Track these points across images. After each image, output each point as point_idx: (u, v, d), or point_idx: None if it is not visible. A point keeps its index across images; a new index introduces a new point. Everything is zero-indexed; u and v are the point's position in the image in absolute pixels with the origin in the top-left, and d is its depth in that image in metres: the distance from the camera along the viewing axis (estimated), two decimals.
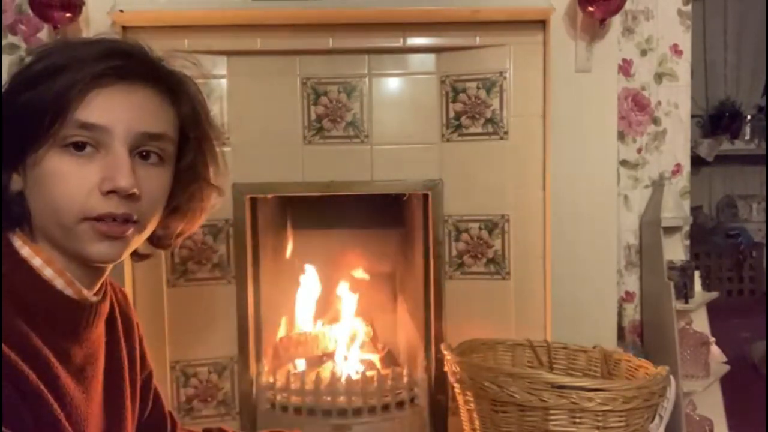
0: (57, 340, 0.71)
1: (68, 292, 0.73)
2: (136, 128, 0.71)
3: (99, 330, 0.79)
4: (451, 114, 1.73)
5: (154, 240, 0.83)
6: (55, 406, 0.67)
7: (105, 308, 0.79)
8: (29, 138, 0.69)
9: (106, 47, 0.73)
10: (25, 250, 0.71)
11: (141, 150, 0.73)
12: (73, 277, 0.73)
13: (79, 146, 0.69)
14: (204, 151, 0.81)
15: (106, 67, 0.70)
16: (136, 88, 0.72)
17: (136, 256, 0.84)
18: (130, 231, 0.72)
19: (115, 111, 0.70)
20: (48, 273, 0.71)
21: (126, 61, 0.72)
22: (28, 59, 0.73)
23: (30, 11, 1.54)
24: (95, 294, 0.77)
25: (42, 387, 0.66)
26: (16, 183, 0.71)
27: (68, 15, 1.50)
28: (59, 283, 0.72)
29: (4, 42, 1.82)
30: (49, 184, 0.69)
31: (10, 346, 0.64)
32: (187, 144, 0.79)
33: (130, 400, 0.86)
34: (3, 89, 0.71)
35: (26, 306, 0.68)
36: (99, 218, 0.69)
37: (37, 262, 0.71)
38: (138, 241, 0.76)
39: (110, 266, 0.77)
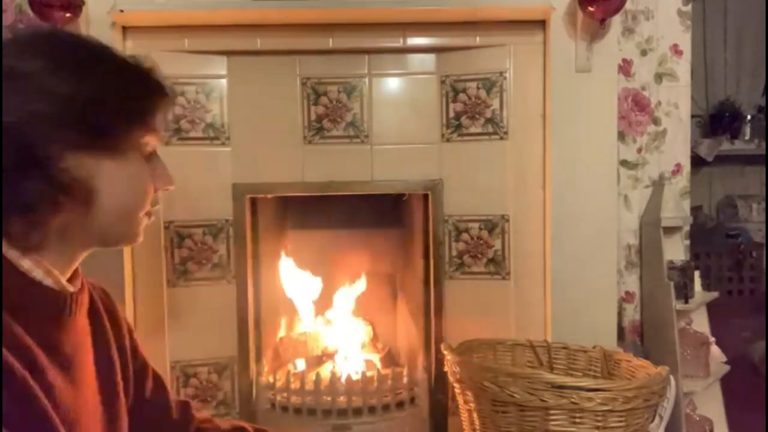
0: (42, 331, 0.72)
1: (47, 282, 0.74)
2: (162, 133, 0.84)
3: (82, 320, 0.81)
4: (451, 114, 1.73)
5: None
6: (42, 397, 0.68)
7: (84, 299, 0.82)
8: (107, 147, 0.75)
9: (148, 68, 0.83)
10: (12, 253, 0.72)
11: None
12: (60, 272, 0.75)
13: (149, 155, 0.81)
14: None
15: (159, 84, 0.82)
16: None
17: None
18: None
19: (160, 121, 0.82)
20: (26, 264, 0.72)
21: (159, 78, 0.83)
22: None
23: (30, 11, 1.54)
24: (71, 284, 0.79)
25: (28, 379, 0.67)
26: (82, 168, 0.72)
27: (68, 15, 1.51)
28: (38, 274, 0.73)
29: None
30: (128, 183, 0.78)
31: None
32: None
33: (122, 388, 0.88)
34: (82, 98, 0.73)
35: (8, 299, 0.69)
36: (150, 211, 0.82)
37: (13, 254, 0.72)
38: None
39: (81, 257, 0.81)
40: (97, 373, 0.83)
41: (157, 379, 0.98)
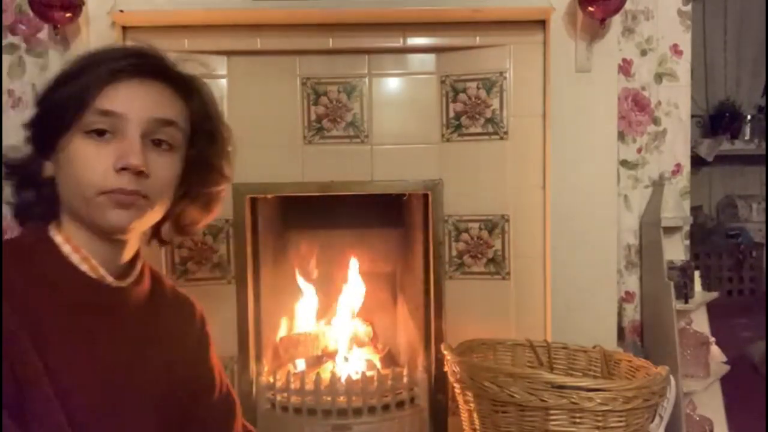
0: (71, 311, 0.80)
1: (83, 267, 0.83)
2: (148, 114, 0.82)
3: (126, 310, 0.87)
4: (451, 114, 1.73)
5: (176, 228, 0.95)
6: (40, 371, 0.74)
7: (136, 296, 0.88)
8: (59, 128, 0.81)
9: (123, 49, 0.87)
10: (58, 238, 0.83)
11: (153, 138, 0.83)
12: (99, 261, 0.84)
13: (99, 133, 0.80)
14: (214, 144, 0.91)
15: (122, 64, 0.82)
16: (150, 82, 0.84)
17: (159, 241, 0.97)
18: (140, 201, 0.81)
19: (131, 100, 0.81)
20: (66, 249, 0.83)
21: (141, 60, 0.84)
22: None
23: (30, 11, 1.54)
24: (124, 279, 0.87)
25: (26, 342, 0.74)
26: (48, 169, 0.84)
27: (68, 15, 1.50)
28: (75, 258, 0.83)
29: (4, 42, 1.82)
30: (74, 164, 0.80)
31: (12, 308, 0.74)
32: (198, 136, 0.89)
33: (175, 392, 0.91)
34: (42, 91, 0.84)
35: (46, 273, 0.80)
36: (112, 191, 0.80)
37: (58, 239, 0.83)
38: (149, 219, 0.86)
39: (130, 248, 0.87)
40: (146, 368, 0.87)
41: (220, 402, 1.01)
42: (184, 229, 0.96)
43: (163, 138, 0.83)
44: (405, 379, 1.73)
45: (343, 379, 1.69)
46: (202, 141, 0.89)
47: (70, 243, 0.83)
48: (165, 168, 0.84)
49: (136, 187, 0.80)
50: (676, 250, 1.90)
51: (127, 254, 0.88)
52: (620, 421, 1.22)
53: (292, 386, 1.69)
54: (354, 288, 1.97)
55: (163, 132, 0.83)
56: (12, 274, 0.77)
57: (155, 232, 0.96)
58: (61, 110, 0.81)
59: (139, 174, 0.80)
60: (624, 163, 1.93)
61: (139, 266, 0.91)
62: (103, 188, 0.79)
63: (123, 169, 0.79)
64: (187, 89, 0.88)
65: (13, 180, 0.87)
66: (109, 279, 0.85)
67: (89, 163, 0.79)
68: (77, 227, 0.83)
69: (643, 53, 1.92)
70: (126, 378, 0.84)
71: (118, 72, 0.81)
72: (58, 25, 1.52)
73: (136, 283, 0.89)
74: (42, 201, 0.85)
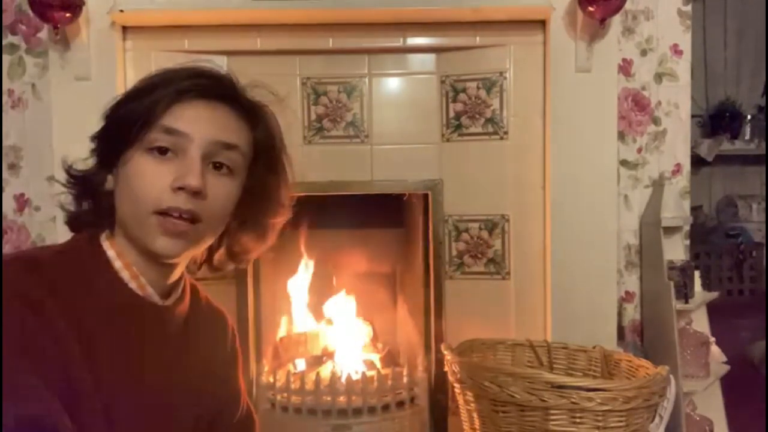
0: (118, 327, 0.80)
1: (132, 285, 0.82)
2: (211, 136, 0.81)
3: (168, 329, 0.86)
4: (451, 114, 1.73)
5: (230, 255, 0.94)
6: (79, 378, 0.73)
7: (178, 311, 0.87)
8: (123, 142, 0.81)
9: (194, 69, 0.85)
10: (110, 252, 0.82)
11: (215, 161, 0.82)
12: (147, 280, 0.83)
13: (162, 151, 0.80)
14: (274, 173, 0.91)
15: (191, 84, 0.82)
16: (216, 105, 0.83)
17: (212, 268, 0.95)
18: (190, 230, 0.80)
19: (195, 121, 0.81)
20: (117, 265, 0.82)
21: (210, 81, 0.84)
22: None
23: (30, 11, 1.55)
24: (168, 297, 0.87)
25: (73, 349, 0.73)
26: (109, 183, 0.84)
27: (68, 15, 1.51)
28: (125, 275, 0.82)
29: (4, 42, 1.83)
30: (132, 179, 0.80)
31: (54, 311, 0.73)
32: (259, 165, 0.88)
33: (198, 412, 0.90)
34: (110, 105, 0.84)
35: (98, 289, 0.80)
36: (166, 212, 0.78)
37: (111, 254, 0.82)
38: (201, 244, 0.84)
39: (179, 270, 0.86)
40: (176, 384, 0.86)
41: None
42: (236, 257, 0.95)
43: (223, 161, 0.82)
44: (405, 379, 1.73)
45: (343, 379, 1.69)
46: (262, 169, 0.88)
47: (121, 258, 0.82)
48: (223, 191, 0.82)
49: (192, 207, 0.79)
50: (676, 250, 1.90)
51: (175, 275, 0.87)
52: (620, 421, 1.22)
53: (292, 386, 1.69)
54: (354, 288, 1.97)
55: (224, 155, 0.82)
56: (63, 283, 0.76)
57: (208, 257, 0.94)
58: (127, 125, 0.80)
59: (196, 195, 0.79)
60: (624, 163, 1.93)
61: (182, 285, 0.90)
62: (158, 206, 0.78)
63: (180, 188, 0.78)
64: (254, 116, 0.88)
65: (75, 190, 0.86)
66: (156, 298, 0.84)
67: (147, 179, 0.79)
68: (129, 245, 0.83)
69: (643, 53, 1.92)
70: (163, 396, 0.83)
71: (186, 92, 0.81)
72: (58, 25, 1.52)
73: (179, 301, 0.89)
74: (99, 212, 0.85)
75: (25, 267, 0.74)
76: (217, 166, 0.82)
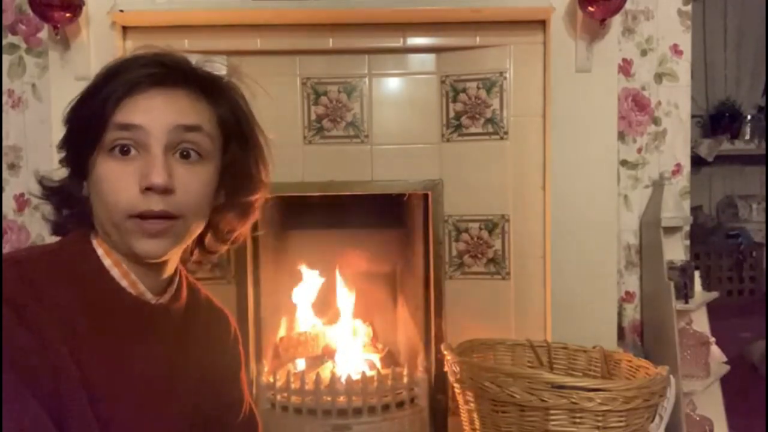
0: (112, 324, 0.78)
1: (123, 283, 0.80)
2: (169, 122, 0.76)
3: (164, 327, 0.84)
4: (451, 114, 1.73)
5: (217, 237, 0.91)
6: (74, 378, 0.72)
7: (173, 308, 0.85)
8: (85, 146, 0.77)
9: (144, 57, 0.80)
10: (100, 251, 0.80)
11: (181, 149, 0.77)
12: (139, 277, 0.81)
13: (124, 151, 0.75)
14: (248, 149, 0.86)
15: (141, 75, 0.77)
16: (170, 89, 0.78)
17: (205, 252, 0.92)
18: (171, 227, 0.76)
19: (148, 110, 0.76)
20: (106, 263, 0.79)
21: (160, 69, 0.78)
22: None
23: (30, 11, 1.55)
24: (162, 294, 0.84)
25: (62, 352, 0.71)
26: (85, 189, 0.80)
27: (68, 15, 1.51)
28: (115, 274, 0.80)
29: (4, 42, 1.83)
30: (100, 186, 0.76)
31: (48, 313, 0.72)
32: (231, 143, 0.83)
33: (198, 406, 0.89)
34: (66, 109, 0.80)
35: (89, 287, 0.78)
36: (141, 216, 0.74)
37: (100, 252, 0.80)
38: (187, 237, 0.81)
39: (170, 265, 0.84)
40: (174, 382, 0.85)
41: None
42: (222, 237, 0.91)
43: (190, 147, 0.77)
44: (405, 379, 1.73)
45: (343, 379, 1.69)
46: (234, 146, 0.83)
47: (110, 257, 0.79)
48: (196, 181, 0.78)
49: (164, 207, 0.74)
50: (676, 250, 1.90)
51: (168, 271, 0.84)
52: (620, 421, 1.22)
53: (292, 386, 1.69)
54: (354, 288, 1.97)
55: (188, 140, 0.77)
56: (52, 282, 0.74)
57: (198, 241, 0.90)
58: (83, 128, 0.77)
59: (166, 192, 0.74)
60: (624, 163, 1.93)
61: (177, 280, 0.87)
62: (131, 211, 0.74)
63: (148, 189, 0.74)
64: (213, 91, 0.83)
65: (52, 201, 0.83)
66: (149, 296, 0.82)
67: (114, 184, 0.75)
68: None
69: (643, 53, 1.92)
70: (159, 395, 0.82)
71: (136, 83, 0.76)
72: (58, 25, 1.52)
73: (175, 298, 0.86)
74: (82, 218, 0.81)
75: (9, 269, 0.72)
76: (185, 155, 0.77)
